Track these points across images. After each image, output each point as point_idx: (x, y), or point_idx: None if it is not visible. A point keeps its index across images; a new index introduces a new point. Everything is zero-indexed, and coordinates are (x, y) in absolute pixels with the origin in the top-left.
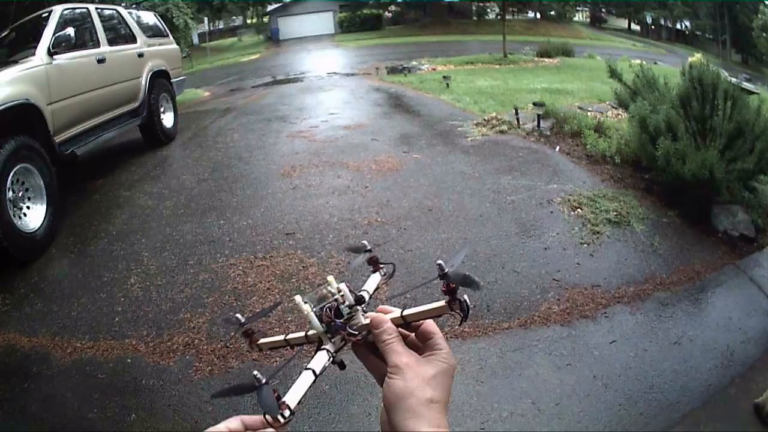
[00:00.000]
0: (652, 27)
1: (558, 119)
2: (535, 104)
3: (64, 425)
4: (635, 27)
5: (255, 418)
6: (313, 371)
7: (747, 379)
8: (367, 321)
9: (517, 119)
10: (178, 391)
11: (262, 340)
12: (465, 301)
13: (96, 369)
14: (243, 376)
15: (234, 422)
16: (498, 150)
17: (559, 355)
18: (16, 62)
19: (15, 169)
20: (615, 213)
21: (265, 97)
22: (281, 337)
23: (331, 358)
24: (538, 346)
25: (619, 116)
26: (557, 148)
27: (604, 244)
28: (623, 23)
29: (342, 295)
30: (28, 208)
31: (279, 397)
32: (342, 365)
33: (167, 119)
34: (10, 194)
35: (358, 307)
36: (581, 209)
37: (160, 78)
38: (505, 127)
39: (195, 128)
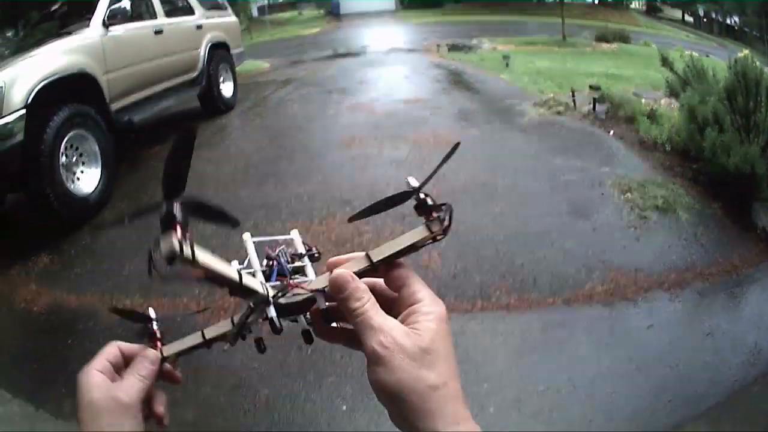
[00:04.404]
0: (704, 20)
1: (613, 104)
2: (591, 87)
3: None
4: (689, 18)
5: (133, 346)
6: (203, 334)
7: None
8: (319, 283)
9: (574, 101)
10: (226, 349)
11: (168, 349)
12: (446, 218)
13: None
14: (291, 335)
15: (111, 348)
16: (554, 130)
17: (598, 334)
18: (69, 34)
19: (69, 135)
20: (663, 200)
21: (326, 69)
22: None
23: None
24: (579, 324)
25: (672, 105)
26: (611, 132)
27: (650, 230)
28: (678, 13)
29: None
30: (82, 172)
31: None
32: (259, 345)
33: (226, 89)
34: (63, 159)
35: (306, 262)
36: (631, 193)
37: (219, 49)
38: (561, 109)
39: (254, 98)
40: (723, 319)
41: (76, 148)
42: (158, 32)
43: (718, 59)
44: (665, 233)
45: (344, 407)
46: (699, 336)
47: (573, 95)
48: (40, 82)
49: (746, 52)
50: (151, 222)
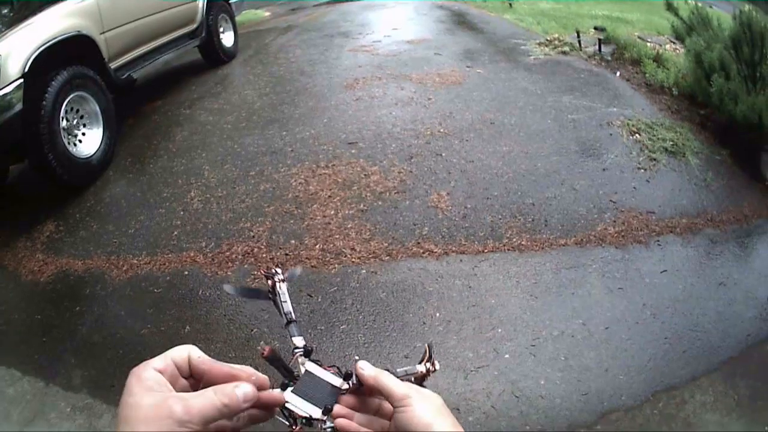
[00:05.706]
0: None
1: (618, 45)
2: (596, 28)
3: (113, 344)
4: None
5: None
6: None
7: None
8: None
9: (579, 42)
10: (234, 300)
11: None
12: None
13: (152, 284)
14: (301, 283)
15: (180, 351)
16: (560, 70)
17: (612, 277)
18: None
19: (69, 98)
20: (671, 143)
21: (327, 14)
22: None
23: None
24: (592, 266)
25: (677, 50)
26: (618, 74)
27: (660, 172)
28: None
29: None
30: (83, 134)
31: None
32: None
33: (227, 39)
34: (64, 123)
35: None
36: (639, 135)
37: (218, 0)
38: (567, 49)
39: (256, 46)
40: (735, 269)
41: (77, 111)
42: None
43: (722, 11)
44: (675, 177)
45: (356, 356)
46: (712, 285)
47: (578, 36)
48: (37, 49)
49: (748, 6)
50: (154, 179)
